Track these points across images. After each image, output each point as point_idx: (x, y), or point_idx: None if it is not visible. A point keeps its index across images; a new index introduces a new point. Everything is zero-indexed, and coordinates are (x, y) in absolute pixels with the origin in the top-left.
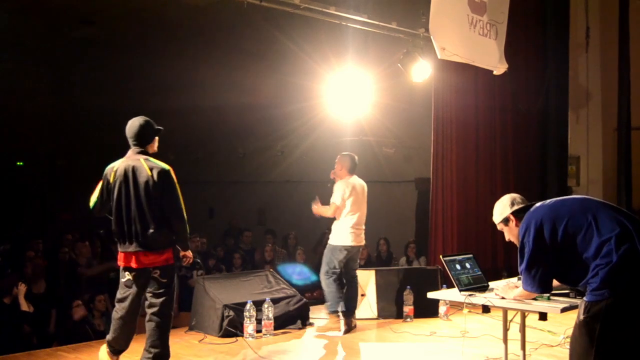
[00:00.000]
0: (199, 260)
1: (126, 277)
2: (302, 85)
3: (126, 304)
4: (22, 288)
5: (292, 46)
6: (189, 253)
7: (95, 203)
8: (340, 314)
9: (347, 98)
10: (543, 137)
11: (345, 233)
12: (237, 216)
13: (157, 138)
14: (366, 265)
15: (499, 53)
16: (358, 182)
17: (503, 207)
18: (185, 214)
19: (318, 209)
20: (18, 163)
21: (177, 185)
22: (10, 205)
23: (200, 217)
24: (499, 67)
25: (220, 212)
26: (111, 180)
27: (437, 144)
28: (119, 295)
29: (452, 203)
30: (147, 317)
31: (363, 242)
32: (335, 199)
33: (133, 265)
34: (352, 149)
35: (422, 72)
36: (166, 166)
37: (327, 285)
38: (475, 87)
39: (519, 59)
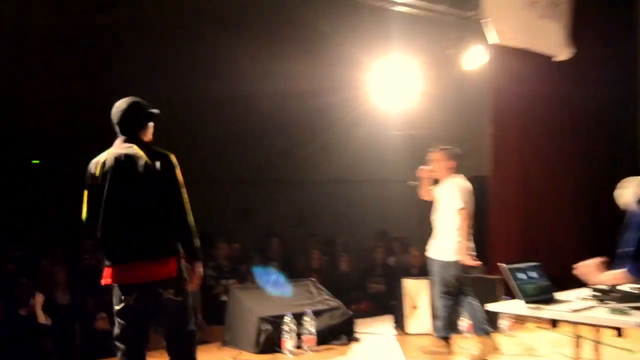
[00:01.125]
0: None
1: (123, 302)
2: (344, 74)
3: (130, 343)
4: (39, 299)
5: (333, 32)
6: (199, 268)
7: (88, 213)
8: (482, 336)
9: (393, 88)
10: (613, 128)
11: (459, 246)
12: (275, 219)
13: (151, 124)
14: (419, 273)
15: (562, 36)
16: (468, 184)
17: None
18: (191, 215)
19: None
20: (33, 162)
21: (181, 177)
22: (26, 207)
23: (233, 219)
24: (563, 52)
25: (254, 215)
26: (97, 173)
27: (495, 137)
28: (116, 331)
29: (512, 203)
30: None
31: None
32: (456, 201)
33: (133, 280)
34: (399, 144)
35: (475, 59)
36: (168, 153)
37: (446, 308)
38: (537, 74)
39: (584, 41)
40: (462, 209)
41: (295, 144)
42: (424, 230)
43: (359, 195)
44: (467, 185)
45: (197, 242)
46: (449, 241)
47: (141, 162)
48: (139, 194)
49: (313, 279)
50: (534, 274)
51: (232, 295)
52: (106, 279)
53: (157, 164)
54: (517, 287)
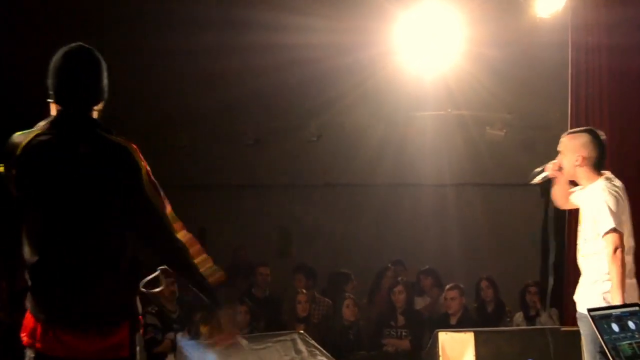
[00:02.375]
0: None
1: None
2: (360, 27)
3: None
4: None
5: None
6: (227, 317)
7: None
8: None
9: (428, 48)
10: None
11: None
12: (246, 242)
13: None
14: (460, 323)
15: None
16: (620, 185)
17: None
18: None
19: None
20: None
21: (153, 184)
22: None
23: None
24: None
25: (216, 235)
26: (5, 169)
27: (577, 122)
28: None
29: None
30: None
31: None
32: (609, 220)
33: (59, 352)
34: (437, 128)
35: (549, 3)
36: (125, 143)
37: None
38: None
39: None
40: (611, 231)
41: (275, 133)
42: (468, 260)
43: (371, 207)
44: (622, 186)
45: (210, 280)
46: (597, 282)
47: (81, 160)
48: (71, 214)
49: (301, 332)
50: (632, 324)
51: (179, 353)
52: (24, 335)
53: (111, 164)
54: (607, 345)
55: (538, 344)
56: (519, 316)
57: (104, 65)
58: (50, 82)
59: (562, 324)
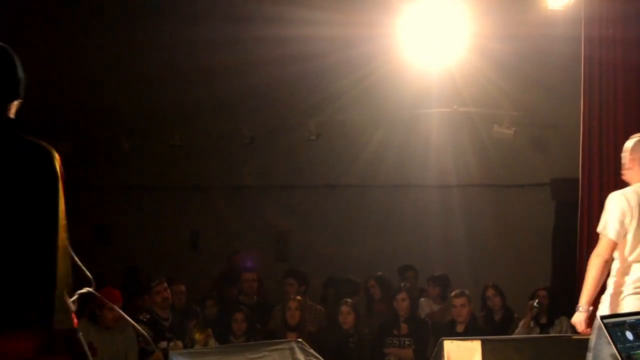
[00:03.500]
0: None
1: None
2: (362, 20)
3: None
4: None
5: None
6: None
7: None
8: None
9: (433, 42)
10: None
11: (628, 296)
12: (241, 247)
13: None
14: (467, 331)
15: None
16: None
17: None
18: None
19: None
20: None
21: (61, 189)
22: None
23: (178, 249)
24: None
25: (209, 239)
26: None
27: (590, 119)
28: None
29: None
30: None
31: None
32: (607, 227)
33: None
34: (443, 127)
35: None
36: (47, 147)
37: None
38: None
39: None
40: (603, 236)
41: (272, 131)
42: (475, 264)
43: (373, 210)
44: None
45: (63, 316)
46: (608, 290)
47: (12, 165)
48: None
49: (300, 340)
50: None
51: None
52: None
53: (24, 168)
54: (621, 354)
55: (548, 353)
56: (523, 323)
57: (14, 62)
58: None
59: (574, 332)
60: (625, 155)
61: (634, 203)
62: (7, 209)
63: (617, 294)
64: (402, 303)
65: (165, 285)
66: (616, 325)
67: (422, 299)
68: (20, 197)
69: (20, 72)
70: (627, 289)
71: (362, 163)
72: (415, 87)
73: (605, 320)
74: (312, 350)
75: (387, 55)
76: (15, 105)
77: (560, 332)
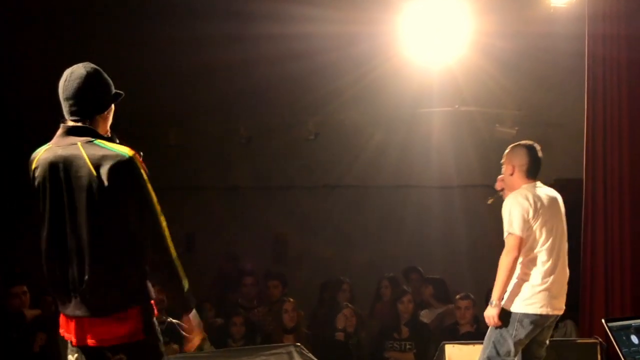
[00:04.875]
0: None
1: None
2: (362, 17)
3: None
4: None
5: None
6: (194, 322)
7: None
8: None
9: (434, 39)
10: None
11: (532, 290)
12: (238, 249)
13: (113, 107)
14: (469, 334)
15: None
16: (547, 193)
17: None
18: (170, 241)
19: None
20: None
21: (150, 187)
22: None
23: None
24: None
25: (205, 241)
26: (33, 180)
27: (595, 118)
28: None
29: (622, 223)
30: None
31: (562, 308)
32: (513, 225)
33: (73, 340)
34: (444, 126)
35: None
36: (126, 151)
37: None
38: None
39: None
40: (511, 235)
41: (270, 130)
42: (477, 266)
43: (372, 211)
44: (550, 195)
45: (186, 284)
46: (512, 285)
47: (83, 172)
48: (75, 223)
49: (298, 344)
50: None
51: None
52: (61, 329)
53: (106, 176)
54: (626, 358)
55: (552, 357)
56: None
57: (103, 79)
58: (61, 97)
59: (578, 335)
60: (506, 163)
61: (532, 200)
62: (108, 209)
63: (527, 288)
64: (408, 305)
65: (156, 288)
66: (621, 329)
67: (424, 310)
68: (108, 195)
69: (108, 87)
70: (537, 282)
71: (362, 163)
72: (416, 86)
73: (611, 324)
74: (310, 355)
75: (387, 53)
76: (103, 116)
77: (564, 336)
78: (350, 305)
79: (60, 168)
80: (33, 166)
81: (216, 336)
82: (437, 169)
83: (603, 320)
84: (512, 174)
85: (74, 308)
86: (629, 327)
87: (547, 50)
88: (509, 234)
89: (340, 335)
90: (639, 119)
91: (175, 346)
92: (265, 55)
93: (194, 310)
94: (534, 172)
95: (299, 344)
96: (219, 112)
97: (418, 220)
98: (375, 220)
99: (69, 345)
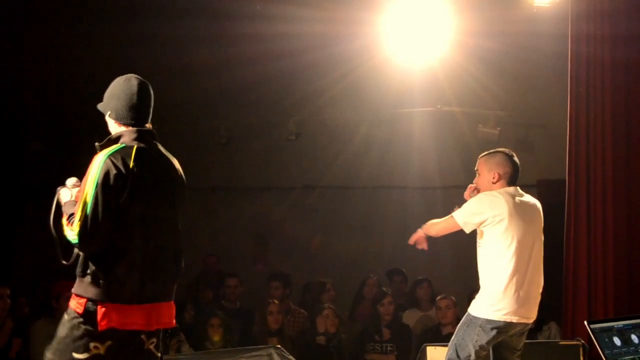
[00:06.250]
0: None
1: (94, 351)
2: (343, 16)
3: None
4: None
5: None
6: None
7: (91, 227)
8: None
9: (416, 39)
10: None
11: (496, 296)
12: (218, 249)
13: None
14: (450, 336)
15: None
16: (525, 200)
17: None
18: None
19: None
20: None
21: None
22: None
23: None
24: None
25: (185, 242)
26: (126, 172)
27: (578, 119)
28: None
29: (605, 225)
30: None
31: (533, 317)
32: (460, 213)
33: (151, 326)
34: (426, 126)
35: None
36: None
37: None
38: None
39: None
40: (452, 218)
41: (251, 131)
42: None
43: (353, 211)
44: (528, 202)
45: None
46: (482, 289)
47: (174, 166)
48: (172, 211)
49: (278, 346)
50: (636, 337)
51: None
52: (106, 321)
53: (183, 174)
54: (608, 359)
55: (536, 359)
56: None
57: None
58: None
59: (561, 337)
60: (481, 170)
61: (507, 202)
62: (178, 205)
63: (492, 293)
64: (388, 307)
65: None
66: (604, 330)
67: (406, 311)
68: (183, 194)
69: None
70: (501, 288)
71: (343, 163)
72: (397, 86)
73: (593, 326)
74: (290, 357)
75: (368, 52)
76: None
77: (548, 338)
78: (331, 306)
79: (159, 161)
80: (132, 156)
81: (194, 338)
82: (419, 169)
83: (585, 322)
84: (495, 182)
85: (160, 294)
86: (611, 329)
87: (530, 50)
88: (451, 216)
89: (321, 339)
90: (622, 119)
91: None
92: (245, 54)
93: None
94: (515, 179)
95: (279, 345)
96: (199, 112)
97: (400, 220)
98: (357, 220)
99: (87, 334)
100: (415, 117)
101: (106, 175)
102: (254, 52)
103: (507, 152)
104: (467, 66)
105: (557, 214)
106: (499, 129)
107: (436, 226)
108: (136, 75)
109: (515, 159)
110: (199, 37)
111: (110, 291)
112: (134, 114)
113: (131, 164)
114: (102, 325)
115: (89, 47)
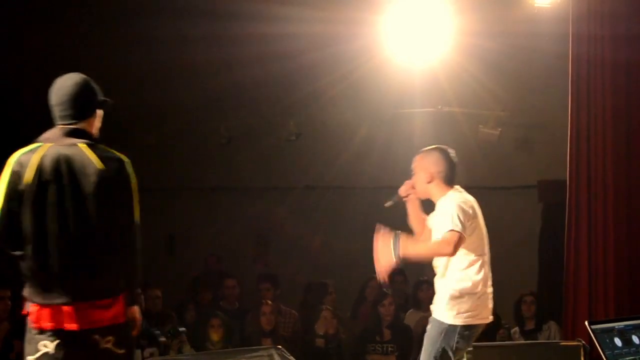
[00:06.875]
0: (157, 332)
1: (42, 349)
2: (344, 17)
3: None
4: None
5: None
6: (137, 311)
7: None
8: None
9: (416, 39)
10: None
11: (470, 302)
12: (218, 250)
13: (101, 113)
14: None
15: None
16: (473, 199)
17: None
18: (139, 244)
19: (406, 247)
20: None
21: (136, 192)
22: None
23: (154, 250)
24: None
25: (186, 243)
26: (28, 180)
27: (579, 119)
28: None
29: (605, 225)
30: None
31: (490, 317)
32: (454, 222)
33: (66, 325)
34: (426, 127)
35: None
36: (124, 157)
37: None
38: None
39: None
40: (452, 231)
41: (251, 131)
42: None
43: (354, 212)
44: (474, 201)
45: (138, 283)
46: (442, 290)
47: (91, 170)
48: (86, 214)
49: (279, 347)
50: (637, 338)
51: None
52: (36, 322)
53: (114, 172)
54: None
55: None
56: (515, 330)
57: (88, 87)
58: (51, 103)
59: (562, 338)
60: (418, 168)
61: (468, 206)
62: (102, 209)
63: (467, 300)
64: (389, 307)
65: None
66: (605, 331)
67: (407, 312)
68: (108, 197)
69: (95, 95)
70: (474, 291)
71: (344, 164)
72: (397, 86)
73: (594, 327)
74: (291, 358)
75: (369, 53)
76: (92, 116)
77: (548, 338)
78: (329, 307)
79: (63, 163)
80: (36, 162)
81: (196, 339)
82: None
83: (586, 323)
84: (429, 182)
85: (71, 296)
86: (612, 329)
87: (531, 51)
88: (451, 230)
89: (320, 342)
90: (622, 120)
91: (155, 350)
92: (245, 54)
93: (137, 307)
94: (452, 177)
95: (280, 347)
96: (200, 112)
97: (401, 221)
98: (358, 221)
99: (36, 335)
100: (416, 117)
101: (11, 176)
102: (254, 52)
103: (443, 148)
104: (468, 66)
105: (557, 214)
106: (499, 129)
107: (429, 249)
108: (72, 74)
109: (453, 155)
110: (199, 37)
111: (32, 292)
112: (53, 112)
113: (35, 169)
114: (36, 325)
115: (89, 47)
